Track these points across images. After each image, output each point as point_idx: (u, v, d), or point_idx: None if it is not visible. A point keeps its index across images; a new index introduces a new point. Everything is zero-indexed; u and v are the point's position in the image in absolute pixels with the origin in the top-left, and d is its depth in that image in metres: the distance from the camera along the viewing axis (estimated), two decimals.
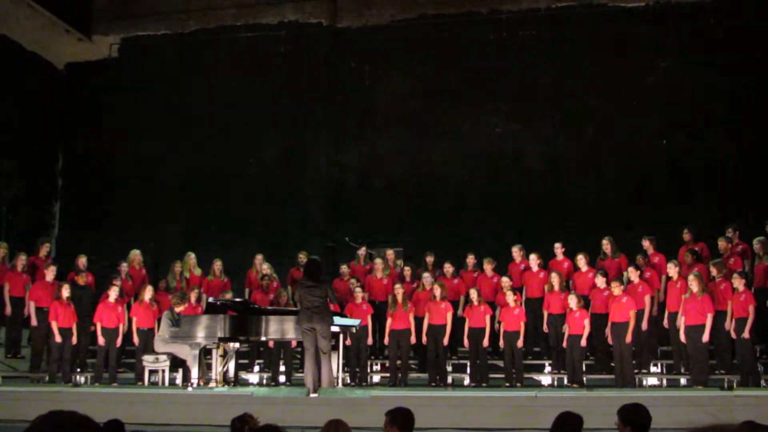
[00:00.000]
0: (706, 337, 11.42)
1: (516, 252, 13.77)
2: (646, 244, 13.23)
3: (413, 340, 12.99)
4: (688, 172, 15.53)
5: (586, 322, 12.18)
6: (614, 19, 16.29)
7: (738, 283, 11.51)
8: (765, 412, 8.46)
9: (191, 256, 14.69)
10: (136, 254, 14.71)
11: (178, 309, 12.68)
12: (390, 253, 14.59)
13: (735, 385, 11.08)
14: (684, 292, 11.75)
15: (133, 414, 9.64)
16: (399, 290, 13.06)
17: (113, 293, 13.15)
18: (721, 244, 12.76)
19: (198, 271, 14.65)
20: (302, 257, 14.47)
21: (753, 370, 11.39)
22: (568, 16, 16.53)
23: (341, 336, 12.25)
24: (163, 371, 12.39)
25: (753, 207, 14.38)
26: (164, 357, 12.34)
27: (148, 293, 13.32)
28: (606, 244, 13.33)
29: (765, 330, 11.92)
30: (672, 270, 12.16)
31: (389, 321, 13.04)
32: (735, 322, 11.45)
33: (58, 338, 12.77)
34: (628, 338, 11.80)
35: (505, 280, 13.03)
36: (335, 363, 11.79)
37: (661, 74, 15.99)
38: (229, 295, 13.61)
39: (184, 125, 17.88)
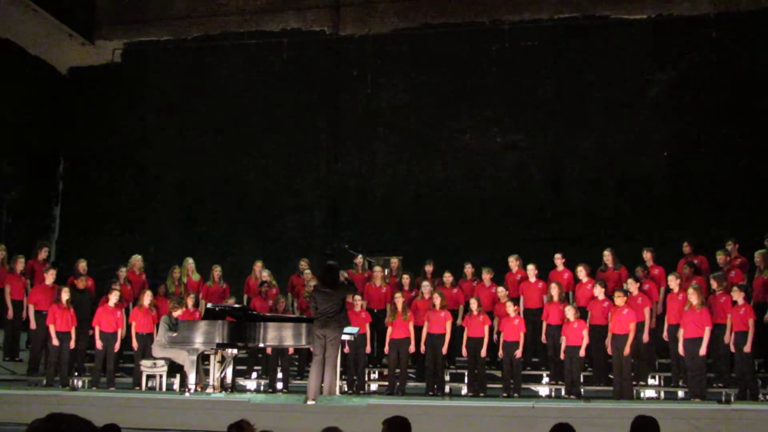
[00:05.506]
0: (703, 350, 11.40)
1: (513, 262, 13.75)
2: (647, 255, 13.22)
3: (412, 349, 12.98)
4: (688, 184, 15.54)
5: (585, 333, 12.16)
6: (616, 31, 16.34)
7: (737, 296, 11.50)
8: (762, 426, 8.47)
9: (189, 262, 14.68)
10: (137, 259, 14.69)
11: (176, 313, 12.70)
12: (395, 261, 14.58)
13: (733, 398, 11.07)
14: (684, 305, 11.74)
15: (130, 419, 9.64)
16: (399, 299, 13.05)
17: (113, 298, 13.14)
18: (720, 257, 12.75)
19: (196, 277, 14.64)
20: (303, 264, 14.48)
21: (751, 384, 11.36)
22: (570, 27, 16.57)
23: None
24: (161, 376, 12.37)
25: (752, 220, 14.39)
26: (162, 362, 12.32)
27: (147, 298, 13.30)
28: (607, 256, 13.31)
29: (763, 344, 11.90)
30: (673, 282, 12.15)
31: (389, 330, 13.03)
32: (734, 336, 11.43)
33: (55, 342, 12.76)
34: (627, 350, 11.78)
35: (501, 290, 13.02)
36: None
37: (662, 87, 16.03)
38: (231, 301, 13.64)
39: (186, 131, 17.94)
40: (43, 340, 13.16)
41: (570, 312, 12.25)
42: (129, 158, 18.02)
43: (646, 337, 12.15)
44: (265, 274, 14.44)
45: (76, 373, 13.46)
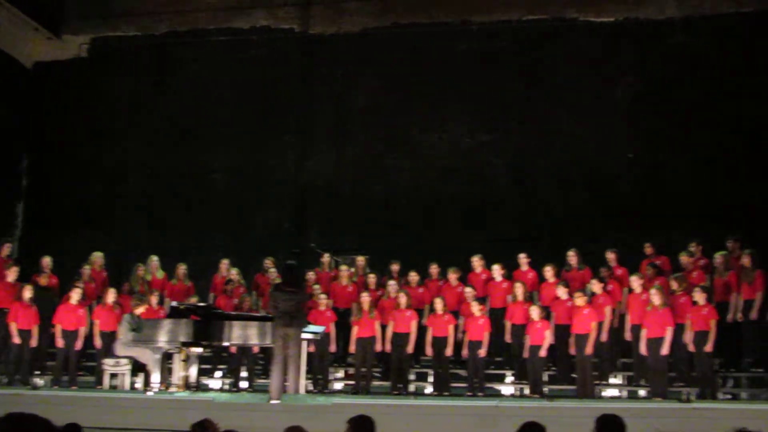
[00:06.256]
0: (665, 350, 11.54)
1: (476, 261, 13.79)
2: (610, 256, 13.35)
3: (378, 348, 13.01)
4: (652, 186, 15.69)
5: (547, 333, 12.26)
6: (584, 34, 16.46)
7: (699, 296, 11.66)
8: (722, 424, 8.57)
9: (154, 259, 14.59)
10: (97, 256, 14.55)
11: (138, 311, 12.58)
12: (361, 260, 14.58)
13: (693, 397, 11.21)
14: (647, 305, 11.88)
15: (92, 418, 9.53)
16: (365, 298, 13.07)
17: (75, 295, 13.03)
18: (683, 258, 12.91)
19: (161, 274, 14.55)
20: (268, 263, 14.42)
21: (711, 383, 11.52)
22: (538, 28, 16.66)
23: (304, 343, 12.22)
24: (124, 375, 12.28)
25: (715, 222, 14.56)
26: (125, 361, 12.23)
27: (111, 296, 13.20)
28: (572, 256, 13.41)
29: (722, 344, 12.06)
30: (635, 283, 12.28)
31: (355, 329, 13.04)
32: (695, 336, 11.59)
33: (16, 340, 12.63)
34: (588, 350, 11.90)
35: (469, 291, 13.07)
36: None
37: (628, 89, 16.16)
38: (194, 300, 13.56)
39: (152, 127, 17.79)
40: (4, 337, 13.00)
41: (535, 312, 12.34)
42: (95, 155, 17.83)
43: (604, 336, 12.26)
44: (234, 272, 14.39)
45: (37, 372, 13.31)
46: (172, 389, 11.74)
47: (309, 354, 12.67)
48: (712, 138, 15.48)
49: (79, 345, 13.03)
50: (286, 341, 10.91)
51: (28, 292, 12.82)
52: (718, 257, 12.51)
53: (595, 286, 12.52)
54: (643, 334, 11.78)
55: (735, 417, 8.74)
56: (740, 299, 12.10)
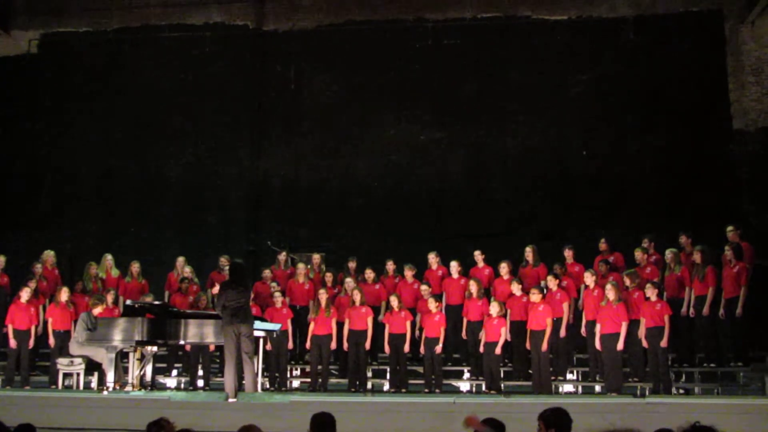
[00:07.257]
0: (620, 345, 11.67)
1: (432, 258, 13.84)
2: (567, 254, 13.46)
3: (333, 345, 12.99)
4: (607, 183, 15.86)
5: (503, 330, 12.33)
6: (538, 31, 16.61)
7: (651, 292, 11.80)
8: (675, 418, 8.69)
9: (108, 258, 14.40)
10: (49, 255, 14.32)
11: (96, 311, 12.43)
12: (316, 257, 14.54)
13: (647, 392, 11.37)
14: (600, 301, 12.00)
15: (46, 418, 9.43)
16: (323, 295, 13.04)
17: (25, 294, 12.84)
18: (637, 254, 13.04)
19: (115, 273, 14.37)
20: (224, 261, 14.31)
21: (665, 378, 11.68)
22: (492, 26, 16.77)
23: (261, 341, 12.18)
24: (78, 374, 12.12)
25: (669, 218, 14.79)
26: (79, 360, 12.08)
27: (64, 294, 13.03)
28: (529, 252, 13.51)
29: (676, 339, 12.23)
30: (589, 279, 12.40)
31: (311, 326, 13.02)
32: (647, 331, 11.74)
33: None
34: (544, 346, 12.01)
35: (425, 288, 13.11)
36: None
37: (582, 87, 16.33)
38: (149, 298, 13.43)
39: (105, 124, 17.57)
40: None
41: (494, 308, 12.39)
42: (46, 151, 17.58)
43: (563, 332, 12.38)
44: (188, 270, 14.27)
45: None
46: (128, 388, 11.63)
47: (266, 352, 12.65)
48: (665, 135, 15.71)
49: (31, 344, 12.84)
50: (238, 339, 10.82)
51: None
52: (669, 253, 12.69)
53: (551, 283, 12.62)
54: (598, 329, 11.91)
55: (688, 411, 8.86)
56: (692, 295, 12.28)
